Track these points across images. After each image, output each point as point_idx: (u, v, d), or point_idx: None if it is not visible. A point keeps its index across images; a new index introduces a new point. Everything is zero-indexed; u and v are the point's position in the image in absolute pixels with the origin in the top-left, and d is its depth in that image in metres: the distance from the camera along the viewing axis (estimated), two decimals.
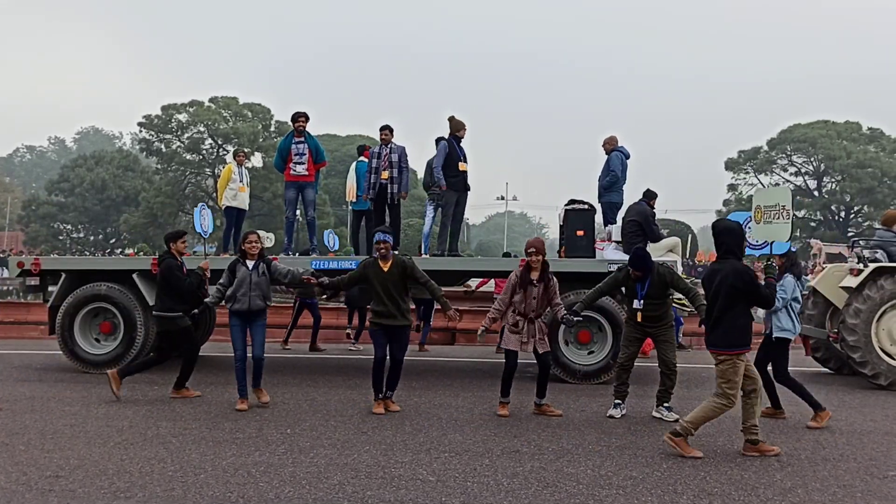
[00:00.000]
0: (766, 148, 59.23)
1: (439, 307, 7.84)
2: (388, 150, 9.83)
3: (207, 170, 58.96)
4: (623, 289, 7.02)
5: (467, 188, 10.02)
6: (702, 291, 6.21)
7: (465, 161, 9.82)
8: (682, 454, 5.51)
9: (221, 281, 7.04)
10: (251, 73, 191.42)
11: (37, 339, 12.53)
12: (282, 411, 6.90)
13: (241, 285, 6.91)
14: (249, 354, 7.04)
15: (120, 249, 60.76)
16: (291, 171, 10.12)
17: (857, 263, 8.88)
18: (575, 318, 6.85)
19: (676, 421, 6.62)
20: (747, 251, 6.59)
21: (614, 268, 7.80)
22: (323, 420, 6.56)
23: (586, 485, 4.83)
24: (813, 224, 56.46)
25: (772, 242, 6.64)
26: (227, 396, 7.48)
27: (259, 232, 7.59)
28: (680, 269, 8.67)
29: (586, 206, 9.61)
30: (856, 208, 57.03)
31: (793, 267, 6.76)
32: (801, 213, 55.19)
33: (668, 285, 6.70)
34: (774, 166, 59.57)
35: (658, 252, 9.29)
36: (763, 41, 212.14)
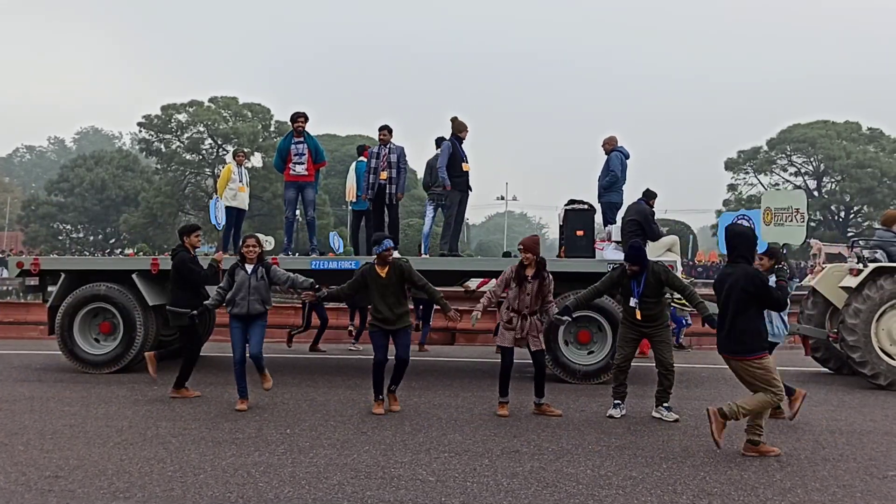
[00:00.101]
0: (765, 148, 59.30)
1: (439, 307, 7.83)
2: (386, 150, 9.82)
3: (207, 170, 59.00)
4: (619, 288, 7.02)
5: (469, 188, 10.03)
6: (712, 293, 6.20)
7: (467, 162, 9.84)
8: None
9: (221, 284, 7.04)
10: (251, 73, 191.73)
11: (36, 340, 12.52)
12: (281, 411, 6.90)
13: (240, 289, 6.90)
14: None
15: (119, 249, 60.79)
16: (291, 172, 10.12)
17: (857, 263, 8.88)
18: (564, 318, 6.88)
19: (676, 421, 6.63)
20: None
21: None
22: (322, 420, 6.56)
23: (586, 485, 4.83)
24: (813, 224, 56.47)
25: (783, 245, 6.65)
26: (226, 397, 7.48)
27: (258, 235, 7.58)
28: (679, 269, 8.67)
29: (586, 206, 9.61)
30: (855, 208, 57.10)
31: (782, 269, 6.75)
32: None
33: (664, 283, 6.70)
34: (774, 166, 59.64)
35: (657, 251, 9.30)
36: (763, 41, 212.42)
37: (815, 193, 57.59)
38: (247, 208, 11.28)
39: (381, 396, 6.94)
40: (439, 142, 10.80)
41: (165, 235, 57.18)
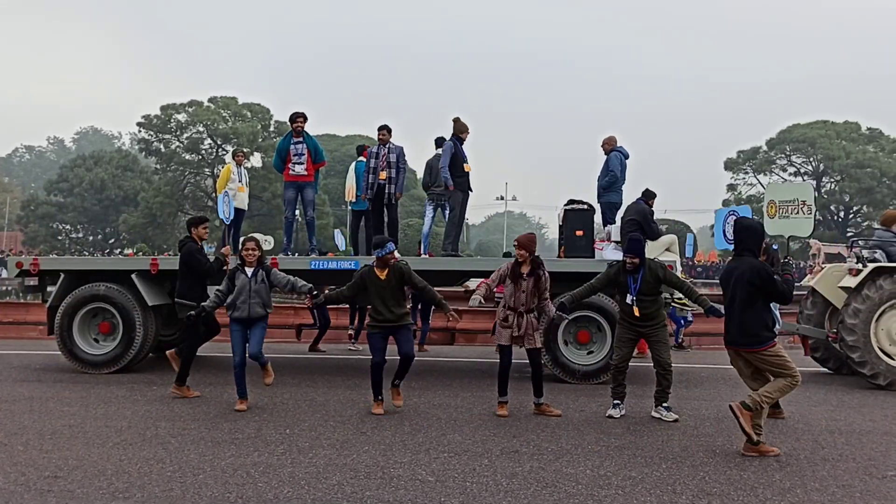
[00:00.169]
0: (765, 148, 59.31)
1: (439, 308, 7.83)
2: (385, 150, 9.82)
3: (206, 170, 58.98)
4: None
5: (470, 189, 10.04)
6: (719, 290, 6.22)
7: (468, 163, 9.85)
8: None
9: (220, 287, 7.02)
10: (251, 73, 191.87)
11: (36, 340, 12.52)
12: (281, 412, 6.90)
13: (240, 293, 6.88)
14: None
15: (119, 249, 60.76)
16: (290, 172, 10.12)
17: (856, 263, 8.88)
18: (564, 316, 6.89)
19: (676, 421, 6.63)
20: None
21: None
22: (322, 420, 6.55)
23: (585, 485, 4.83)
24: None
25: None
26: (226, 397, 7.48)
27: (257, 236, 7.55)
28: (679, 269, 8.68)
29: (585, 206, 9.62)
30: (855, 208, 57.11)
31: (772, 265, 6.77)
32: None
33: (660, 280, 6.71)
34: (773, 166, 59.66)
35: (656, 250, 9.30)
36: (763, 41, 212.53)
37: (815, 193, 57.62)
38: (246, 208, 11.29)
39: (380, 397, 6.93)
40: (439, 142, 10.80)
41: (165, 235, 57.21)
